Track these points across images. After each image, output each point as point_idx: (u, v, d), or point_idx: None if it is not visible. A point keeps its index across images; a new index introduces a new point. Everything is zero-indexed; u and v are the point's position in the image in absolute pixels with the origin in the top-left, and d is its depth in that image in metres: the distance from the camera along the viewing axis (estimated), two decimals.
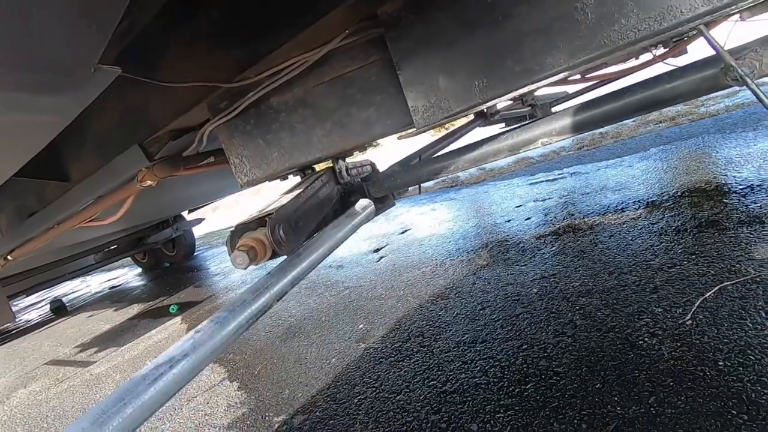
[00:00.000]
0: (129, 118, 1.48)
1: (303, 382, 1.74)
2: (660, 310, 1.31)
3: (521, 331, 1.49)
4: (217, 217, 10.69)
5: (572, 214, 2.43)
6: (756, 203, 1.74)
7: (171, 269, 5.92)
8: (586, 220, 2.27)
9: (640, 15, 0.82)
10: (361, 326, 2.04)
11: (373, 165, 1.64)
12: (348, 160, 1.49)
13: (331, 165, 1.43)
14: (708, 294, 1.29)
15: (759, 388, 0.93)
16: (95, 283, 7.72)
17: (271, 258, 0.99)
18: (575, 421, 1.04)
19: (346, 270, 2.95)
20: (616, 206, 2.30)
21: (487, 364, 1.39)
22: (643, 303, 1.38)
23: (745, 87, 0.71)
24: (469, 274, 2.14)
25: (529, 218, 2.66)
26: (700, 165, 2.45)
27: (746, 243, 1.49)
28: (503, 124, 2.81)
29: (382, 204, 1.54)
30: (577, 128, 0.96)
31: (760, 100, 0.68)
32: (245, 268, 0.95)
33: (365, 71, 1.18)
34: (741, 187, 1.95)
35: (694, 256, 1.53)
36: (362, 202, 1.23)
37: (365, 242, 3.53)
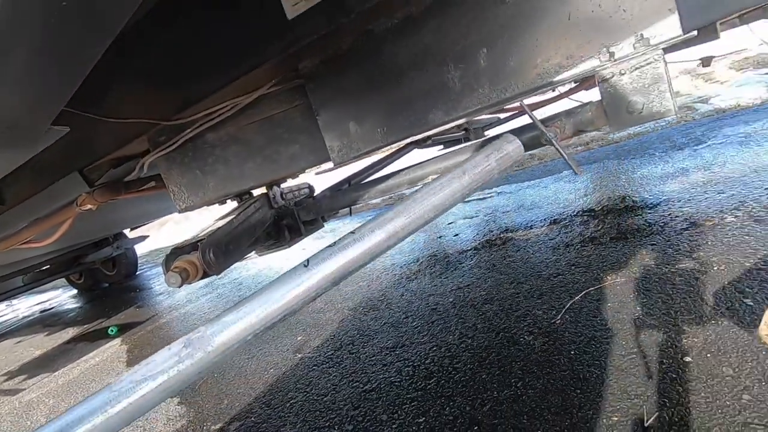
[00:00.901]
0: (70, 147, 1.57)
1: (242, 393, 1.86)
2: (540, 312, 1.60)
3: (434, 335, 1.73)
4: (164, 232, 10.28)
5: (492, 231, 2.75)
6: (626, 222, 2.12)
7: (111, 290, 5.67)
8: (501, 236, 2.58)
9: (491, 87, 1.08)
10: (299, 338, 2.18)
11: (310, 187, 1.83)
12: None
13: (266, 191, 1.60)
14: (576, 298, 1.59)
15: (592, 369, 1.21)
16: (23, 307, 7.16)
17: (203, 278, 1.15)
18: (462, 405, 1.27)
19: None
20: (527, 223, 2.64)
21: (402, 365, 1.60)
22: (530, 307, 1.66)
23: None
24: (399, 287, 2.36)
25: (457, 234, 2.95)
26: (596, 187, 2.88)
27: (611, 255, 1.83)
28: (441, 147, 3.10)
29: (312, 226, 1.73)
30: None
31: (562, 156, 0.96)
32: (179, 287, 1.11)
33: (291, 113, 1.38)
34: (619, 208, 2.35)
35: (573, 267, 1.85)
36: (506, 138, 0.86)
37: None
